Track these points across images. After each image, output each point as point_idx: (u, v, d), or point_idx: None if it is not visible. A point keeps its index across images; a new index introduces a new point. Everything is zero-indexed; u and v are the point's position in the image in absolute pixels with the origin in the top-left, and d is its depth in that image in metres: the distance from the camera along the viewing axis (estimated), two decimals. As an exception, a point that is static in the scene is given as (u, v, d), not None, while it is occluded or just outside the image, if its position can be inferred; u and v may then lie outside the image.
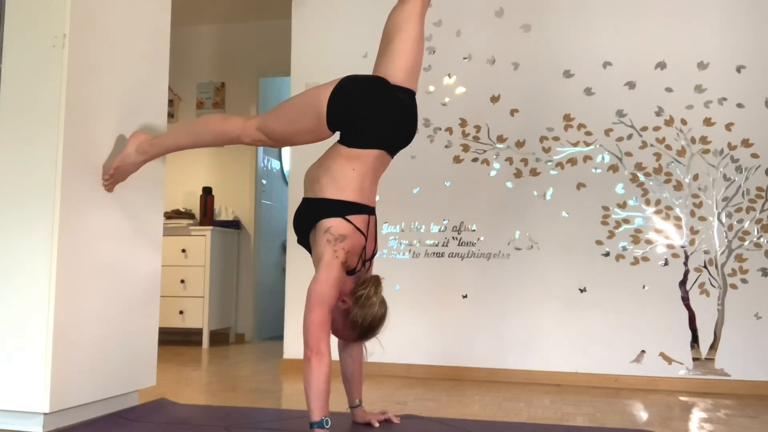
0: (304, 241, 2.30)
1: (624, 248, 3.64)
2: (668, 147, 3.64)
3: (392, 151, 2.30)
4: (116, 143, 2.51)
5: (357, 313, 2.18)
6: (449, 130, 3.91)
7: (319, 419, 1.99)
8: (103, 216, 2.44)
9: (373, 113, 2.21)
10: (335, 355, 2.20)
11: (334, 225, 2.14)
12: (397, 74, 2.26)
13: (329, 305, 2.08)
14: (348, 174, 2.19)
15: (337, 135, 2.27)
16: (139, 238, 2.64)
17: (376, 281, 2.23)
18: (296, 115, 2.24)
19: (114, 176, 2.45)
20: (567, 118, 3.77)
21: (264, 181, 5.91)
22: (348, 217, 2.16)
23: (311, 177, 2.28)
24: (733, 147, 3.58)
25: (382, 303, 2.22)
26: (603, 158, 3.71)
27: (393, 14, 2.35)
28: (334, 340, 2.14)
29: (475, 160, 3.86)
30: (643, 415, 2.81)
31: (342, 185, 2.19)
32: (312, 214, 2.22)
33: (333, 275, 2.09)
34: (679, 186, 3.62)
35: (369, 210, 2.24)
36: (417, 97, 2.34)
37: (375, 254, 2.33)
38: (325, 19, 4.14)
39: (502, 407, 2.90)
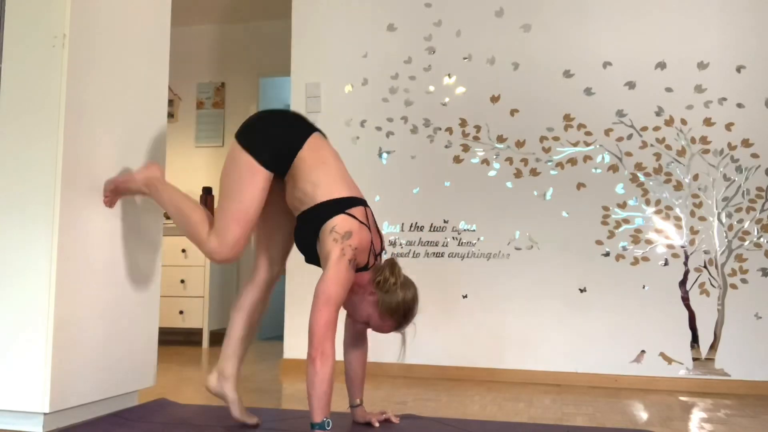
0: (313, 257, 2.24)
1: (624, 248, 3.64)
2: (668, 147, 3.64)
3: (318, 135, 2.31)
4: (116, 144, 2.51)
5: (384, 300, 2.15)
6: (449, 130, 3.90)
7: (320, 420, 1.98)
8: (103, 216, 2.44)
9: (275, 127, 2.26)
10: (339, 355, 2.19)
11: (338, 223, 2.12)
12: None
13: (336, 305, 2.05)
14: (322, 177, 2.20)
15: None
16: (139, 238, 2.64)
17: (391, 263, 2.20)
18: (237, 191, 2.20)
19: (114, 192, 2.45)
20: (567, 118, 3.77)
21: (264, 181, 5.90)
22: (348, 211, 2.15)
23: (293, 200, 2.25)
24: (733, 147, 3.58)
25: (406, 283, 2.19)
26: (603, 158, 3.71)
27: None
28: (338, 341, 2.13)
29: (475, 160, 3.86)
30: (643, 415, 2.81)
31: (327, 186, 2.18)
32: (311, 224, 2.18)
33: (341, 274, 2.05)
34: (679, 186, 3.62)
35: (362, 201, 2.23)
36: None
37: (383, 246, 2.31)
38: (325, 19, 4.14)
39: (502, 407, 2.90)
